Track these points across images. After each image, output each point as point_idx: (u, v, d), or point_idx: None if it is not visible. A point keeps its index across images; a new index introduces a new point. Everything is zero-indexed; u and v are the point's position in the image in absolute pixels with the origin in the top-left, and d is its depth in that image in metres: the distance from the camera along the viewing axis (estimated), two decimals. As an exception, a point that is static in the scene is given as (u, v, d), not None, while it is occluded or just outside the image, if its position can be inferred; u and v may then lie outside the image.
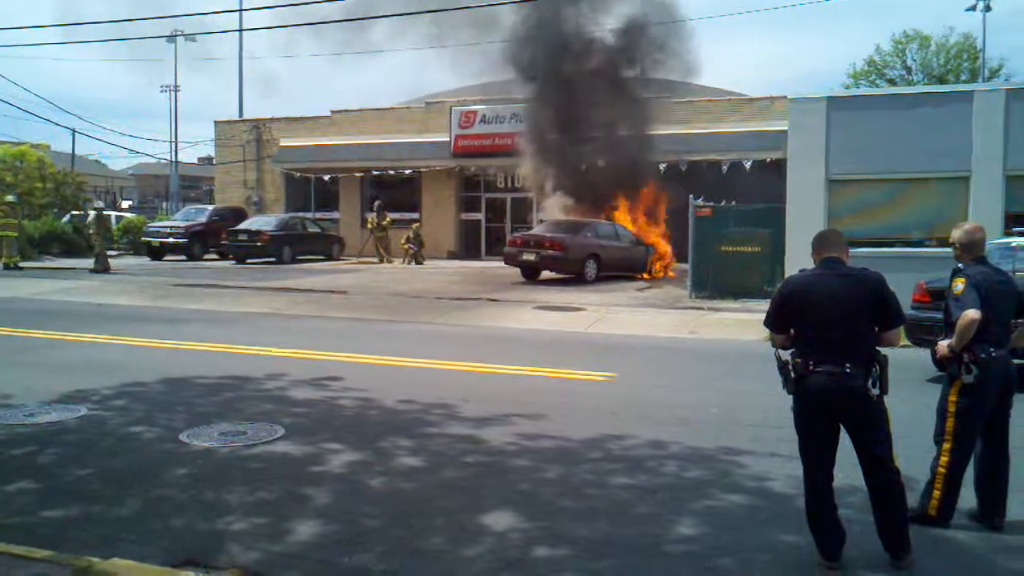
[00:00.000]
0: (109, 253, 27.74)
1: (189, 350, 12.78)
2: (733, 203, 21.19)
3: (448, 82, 36.25)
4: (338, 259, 32.37)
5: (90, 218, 27.32)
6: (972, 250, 5.88)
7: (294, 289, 21.38)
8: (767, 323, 5.38)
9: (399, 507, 6.14)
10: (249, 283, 22.49)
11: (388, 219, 31.64)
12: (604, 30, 27.87)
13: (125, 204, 56.51)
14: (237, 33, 43.62)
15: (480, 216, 35.24)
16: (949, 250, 6.05)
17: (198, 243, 31.89)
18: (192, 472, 6.89)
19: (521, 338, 14.73)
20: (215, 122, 39.76)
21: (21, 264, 26.28)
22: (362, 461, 7.22)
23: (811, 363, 5.06)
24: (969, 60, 54.20)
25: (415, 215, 34.41)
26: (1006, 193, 17.03)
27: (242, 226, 31.08)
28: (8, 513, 5.94)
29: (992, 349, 5.60)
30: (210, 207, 36.09)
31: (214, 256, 31.78)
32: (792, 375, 5.14)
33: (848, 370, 4.98)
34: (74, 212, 37.13)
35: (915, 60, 56.58)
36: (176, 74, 51.63)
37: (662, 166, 27.88)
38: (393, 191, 35.22)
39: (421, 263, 30.49)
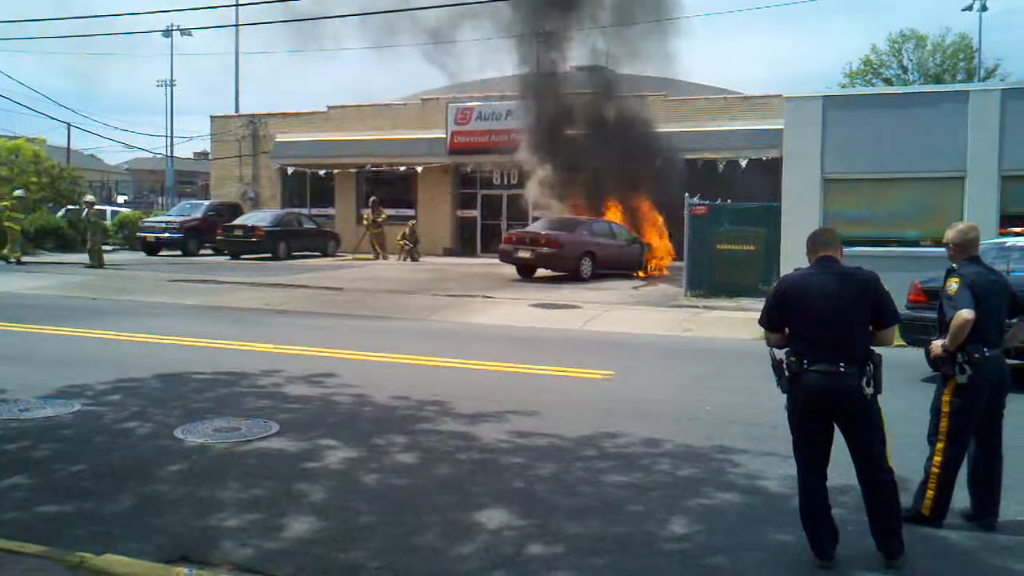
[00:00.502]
0: (104, 248, 27.68)
1: (184, 345, 12.76)
2: (728, 202, 21.21)
3: (445, 79, 36.15)
4: (333, 255, 32.31)
5: (84, 213, 27.25)
6: (966, 250, 5.89)
7: (289, 285, 21.36)
8: (762, 322, 5.39)
9: (393, 504, 6.14)
10: (244, 279, 22.46)
11: (384, 215, 31.63)
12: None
13: (120, 199, 56.42)
14: (233, 28, 43.49)
15: (476, 213, 35.20)
16: (944, 250, 6.06)
17: (193, 238, 31.84)
18: (186, 468, 6.88)
19: (516, 335, 14.73)
20: (211, 117, 39.74)
21: (23, 259, 26.25)
22: (356, 457, 7.22)
23: (806, 362, 5.07)
24: (965, 60, 54.29)
25: (411, 212, 34.38)
26: (1001, 193, 17.07)
27: (237, 222, 31.05)
28: (1, 509, 5.92)
29: (986, 349, 5.61)
30: (205, 202, 36.05)
31: (209, 252, 31.72)
32: (787, 374, 5.15)
33: (843, 369, 4.99)
34: (69, 207, 37.06)
35: (911, 60, 56.70)
36: (172, 68, 51.43)
37: (658, 164, 27.84)
38: (389, 187, 35.21)
39: (416, 260, 30.46)
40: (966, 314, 5.47)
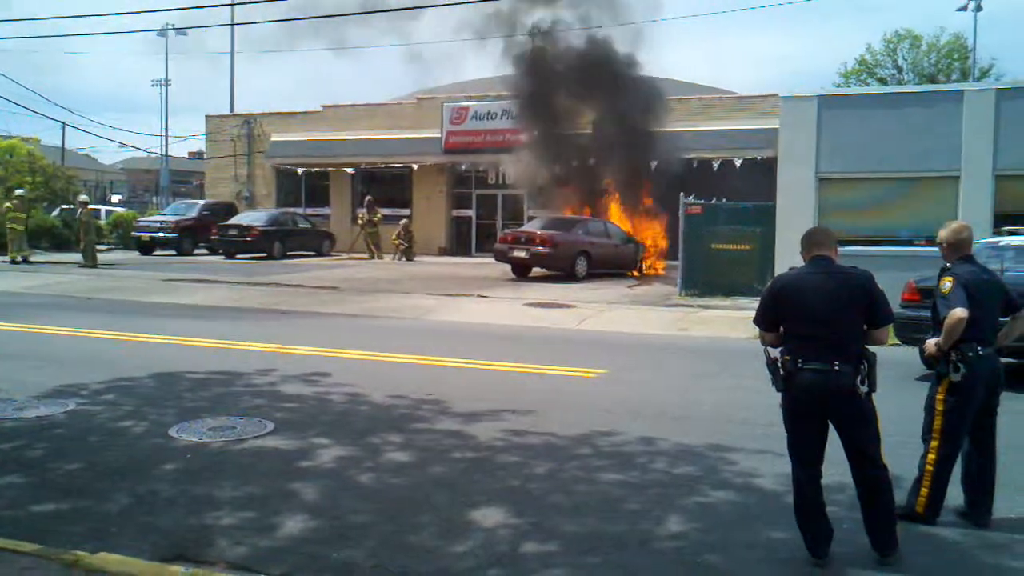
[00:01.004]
0: (99, 248, 27.67)
1: (178, 345, 12.75)
2: (723, 201, 21.23)
3: (440, 78, 36.23)
4: (328, 255, 32.28)
5: (78, 213, 27.24)
6: (959, 249, 5.91)
7: (284, 284, 21.35)
8: (756, 321, 5.40)
9: (388, 502, 6.14)
10: (239, 278, 22.44)
11: (379, 215, 31.62)
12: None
13: (115, 198, 56.32)
14: (229, 27, 43.46)
15: (471, 212, 35.20)
16: (937, 249, 6.08)
17: (188, 238, 31.81)
18: (181, 467, 6.88)
19: (511, 334, 14.73)
20: (206, 116, 39.70)
21: (30, 259, 26.24)
22: (351, 456, 7.22)
23: (800, 361, 5.08)
24: (960, 60, 54.37)
25: (406, 211, 34.36)
26: (995, 193, 17.10)
27: (232, 221, 31.01)
28: (-4, 507, 5.93)
29: (979, 347, 5.63)
30: (200, 202, 36.01)
31: (204, 251, 31.70)
32: (781, 373, 5.16)
33: (837, 368, 5.00)
34: (63, 206, 36.99)
35: (906, 59, 56.77)
36: (167, 68, 51.41)
37: (653, 164, 27.87)
38: (384, 187, 35.20)
39: (411, 259, 30.46)
40: (960, 313, 5.49)
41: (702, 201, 20.47)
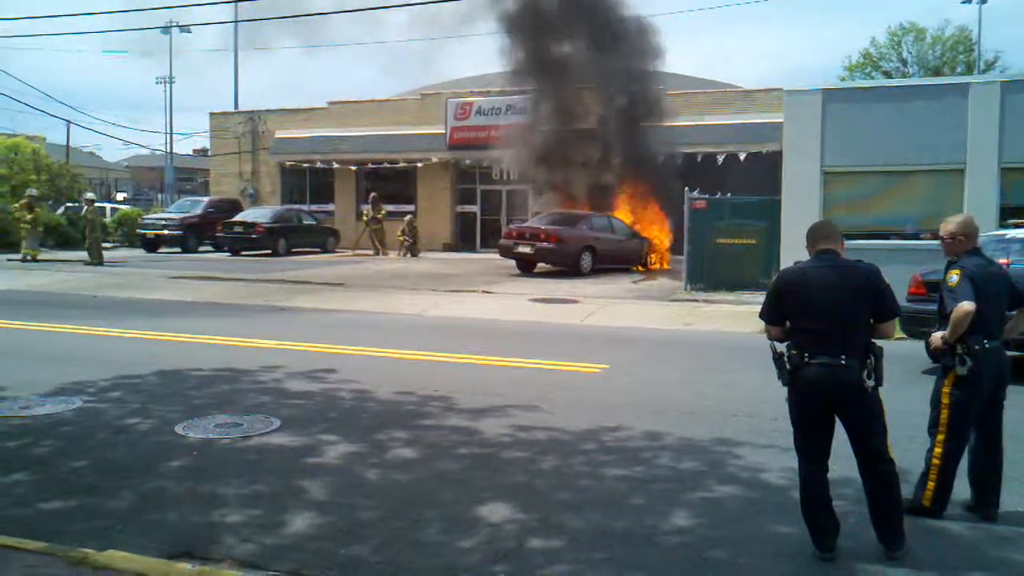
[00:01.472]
0: (104, 245, 27.73)
1: (184, 342, 12.77)
2: (728, 195, 21.20)
3: (444, 74, 36.23)
4: (333, 251, 32.32)
5: (83, 210, 27.31)
6: (968, 241, 5.88)
7: (289, 281, 21.36)
8: (762, 315, 5.38)
9: (394, 499, 6.14)
10: (244, 275, 22.46)
11: (383, 211, 31.62)
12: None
13: (120, 196, 56.42)
14: (232, 24, 43.45)
15: (476, 208, 35.20)
16: (940, 243, 6.04)
17: (193, 235, 31.86)
18: (188, 464, 6.89)
19: (516, 330, 14.73)
20: (210, 114, 39.69)
21: (36, 258, 26.33)
22: (358, 452, 7.22)
23: (806, 355, 5.06)
24: (965, 53, 54.23)
25: (410, 207, 34.34)
26: (1001, 186, 17.06)
27: (237, 218, 31.07)
28: (3, 505, 5.94)
29: (986, 341, 5.61)
30: (205, 199, 36.06)
31: (209, 248, 31.75)
32: (787, 367, 5.14)
33: (844, 362, 4.98)
34: (69, 204, 37.06)
35: (911, 53, 56.62)
36: (171, 65, 51.46)
37: (659, 158, 27.83)
38: (388, 183, 35.17)
39: (416, 255, 30.47)
40: (967, 306, 5.47)
41: (707, 196, 20.43)
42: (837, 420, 5.16)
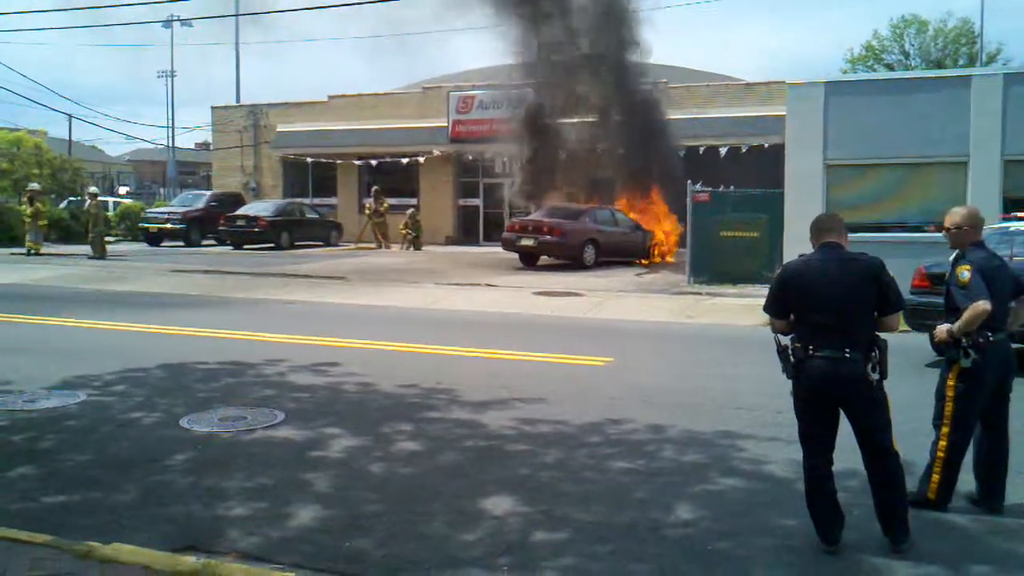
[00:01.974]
0: (107, 239, 27.75)
1: (188, 335, 12.78)
2: (731, 189, 21.18)
3: (446, 67, 36.19)
4: (336, 245, 32.31)
5: (86, 204, 27.36)
6: (974, 233, 5.87)
7: (292, 275, 21.37)
8: (767, 309, 5.38)
9: (399, 491, 6.15)
10: (246, 269, 22.46)
11: (385, 205, 31.63)
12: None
13: (123, 190, 56.42)
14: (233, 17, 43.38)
15: (478, 201, 35.19)
16: (944, 235, 6.03)
17: (196, 229, 31.84)
18: (192, 458, 6.90)
19: (520, 323, 14.74)
20: (212, 108, 39.72)
21: (40, 251, 26.40)
22: (362, 446, 7.23)
23: (811, 348, 5.06)
24: (967, 45, 54.10)
25: (413, 201, 34.34)
26: (1004, 178, 17.02)
27: (240, 212, 31.06)
28: (9, 499, 5.95)
29: (991, 333, 5.60)
30: (208, 193, 36.02)
31: (212, 242, 31.72)
32: (792, 360, 5.15)
33: (848, 355, 4.98)
34: (71, 198, 37.07)
35: (913, 45, 56.52)
36: (172, 59, 51.46)
37: (661, 151, 27.78)
38: (391, 177, 35.14)
39: (419, 249, 30.48)
40: (984, 305, 5.43)
41: (710, 189, 20.42)
42: (842, 413, 5.16)
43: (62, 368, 10.02)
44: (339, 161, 35.68)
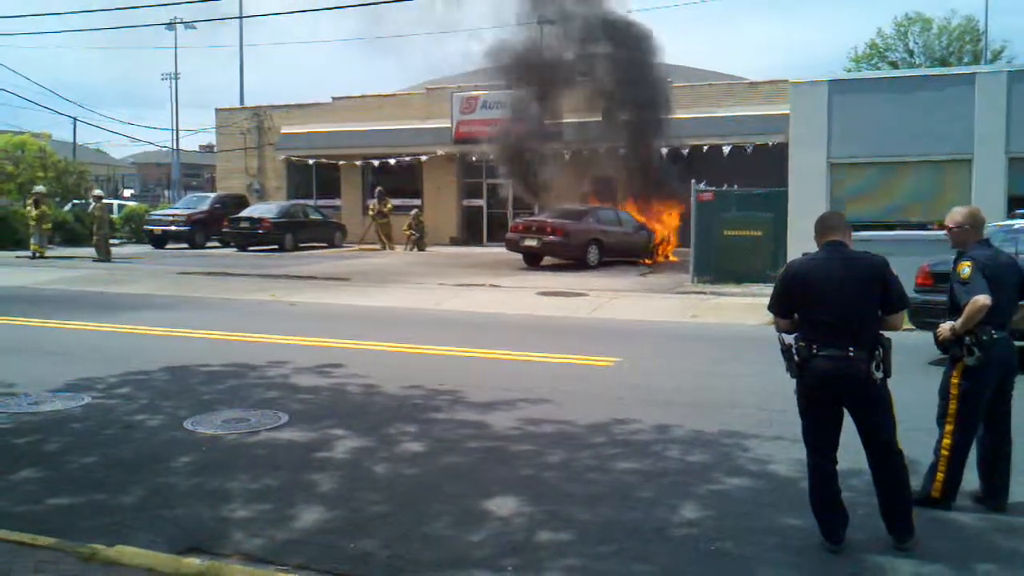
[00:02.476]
0: (112, 242, 27.79)
1: (192, 337, 12.79)
2: (735, 187, 21.16)
3: (450, 68, 36.12)
4: (340, 246, 32.35)
5: (91, 207, 27.41)
6: (976, 232, 5.85)
7: (296, 276, 21.38)
8: (771, 307, 5.37)
9: (403, 493, 6.15)
10: (251, 270, 22.50)
11: (389, 206, 31.64)
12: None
13: (127, 192, 56.52)
14: (238, 20, 43.44)
15: (482, 202, 35.15)
16: (946, 234, 6.01)
17: (200, 231, 31.88)
18: (196, 459, 6.91)
19: (523, 324, 14.73)
20: (216, 110, 39.72)
21: (44, 255, 26.45)
22: (366, 447, 7.23)
23: (815, 347, 5.06)
24: (971, 42, 54.01)
25: (417, 202, 34.32)
26: (1008, 175, 17.01)
27: (244, 213, 31.11)
28: (13, 501, 5.96)
29: (994, 331, 5.58)
30: (212, 195, 36.07)
31: (216, 244, 31.78)
32: (796, 359, 5.14)
33: (852, 354, 4.97)
34: (76, 201, 37.12)
35: (917, 43, 56.41)
36: (176, 62, 51.47)
37: (664, 150, 27.79)
38: (395, 177, 35.11)
39: (423, 249, 30.48)
40: (983, 300, 5.43)
41: (713, 188, 20.40)
42: (846, 412, 5.15)
43: (66, 371, 10.03)
44: (343, 162, 35.68)
